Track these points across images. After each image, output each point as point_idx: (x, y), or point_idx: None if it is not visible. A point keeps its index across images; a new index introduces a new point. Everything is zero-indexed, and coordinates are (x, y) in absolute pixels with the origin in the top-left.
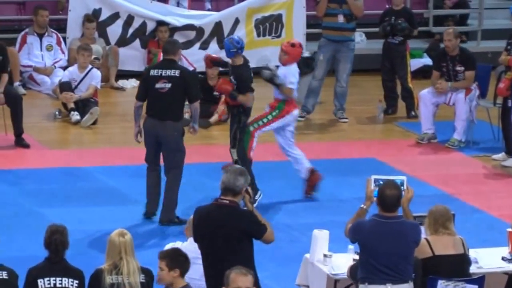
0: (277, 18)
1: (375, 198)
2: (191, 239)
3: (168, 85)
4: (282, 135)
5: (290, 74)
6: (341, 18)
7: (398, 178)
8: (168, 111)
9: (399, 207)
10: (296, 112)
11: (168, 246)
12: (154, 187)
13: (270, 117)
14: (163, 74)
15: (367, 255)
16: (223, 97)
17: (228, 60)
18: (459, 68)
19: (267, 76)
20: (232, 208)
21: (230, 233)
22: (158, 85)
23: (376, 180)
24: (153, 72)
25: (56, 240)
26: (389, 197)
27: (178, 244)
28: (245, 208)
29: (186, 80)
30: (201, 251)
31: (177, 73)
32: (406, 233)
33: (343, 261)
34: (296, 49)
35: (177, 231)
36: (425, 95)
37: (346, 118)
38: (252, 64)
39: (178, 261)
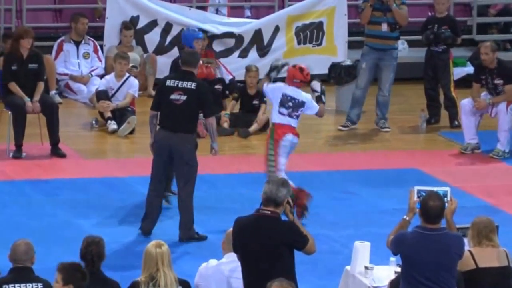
0: (318, 26)
1: (417, 210)
2: (228, 255)
3: (184, 97)
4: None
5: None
6: (385, 27)
7: (441, 189)
8: (182, 123)
9: (442, 218)
10: (288, 137)
11: (203, 265)
12: (155, 208)
13: (271, 152)
14: (179, 86)
15: (409, 267)
16: (263, 106)
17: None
18: (498, 81)
19: (322, 90)
20: (274, 219)
21: (272, 244)
22: (173, 96)
23: (419, 191)
24: (169, 83)
25: (92, 251)
26: (432, 209)
27: (213, 263)
28: (287, 219)
29: (202, 94)
30: (241, 262)
31: (193, 85)
32: (450, 245)
33: (385, 274)
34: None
35: (215, 243)
36: (466, 105)
37: (388, 128)
38: None
39: (74, 277)
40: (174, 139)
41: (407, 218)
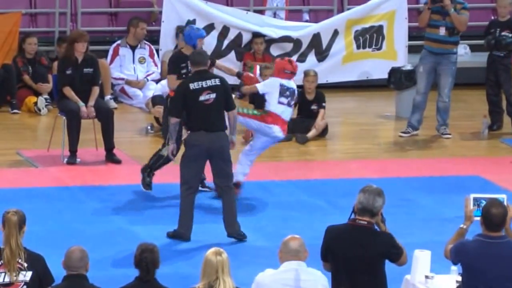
0: (378, 30)
1: (475, 218)
2: (285, 264)
3: (213, 95)
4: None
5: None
6: (442, 31)
7: (498, 196)
8: (217, 121)
9: (504, 226)
10: (275, 128)
11: (260, 274)
12: (192, 210)
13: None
14: (204, 86)
15: (472, 277)
16: (321, 112)
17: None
18: None
19: None
20: (370, 230)
21: (368, 256)
22: (202, 98)
23: (475, 199)
24: (193, 86)
25: (146, 258)
26: (496, 216)
27: (270, 272)
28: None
29: (227, 88)
30: (333, 272)
31: (217, 81)
32: None
33: (446, 283)
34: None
35: (271, 250)
36: None
37: (449, 134)
38: (353, 78)
39: None
40: (213, 138)
41: (464, 227)
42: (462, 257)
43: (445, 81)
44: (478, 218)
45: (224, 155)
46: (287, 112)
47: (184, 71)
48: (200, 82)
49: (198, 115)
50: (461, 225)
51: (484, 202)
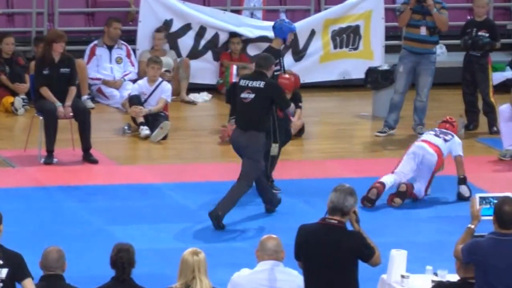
0: (355, 30)
1: (482, 217)
2: (261, 264)
3: (251, 96)
4: None
5: None
6: (423, 30)
7: (502, 195)
8: (251, 121)
9: None
10: None
11: (236, 274)
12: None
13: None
14: (249, 85)
15: (486, 275)
16: (297, 111)
17: None
18: None
19: None
20: (341, 229)
21: (338, 255)
22: (242, 95)
23: (482, 198)
24: (242, 82)
25: (122, 258)
26: (508, 213)
27: (246, 272)
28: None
29: (272, 91)
30: (304, 271)
31: (261, 84)
32: None
33: (421, 283)
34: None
35: (247, 250)
36: (505, 111)
37: None
38: (331, 78)
39: None
40: (243, 137)
41: (472, 226)
42: (475, 256)
43: (424, 81)
44: (486, 218)
45: (246, 153)
46: None
47: (277, 67)
48: (248, 81)
49: (238, 111)
50: (469, 225)
51: (491, 200)
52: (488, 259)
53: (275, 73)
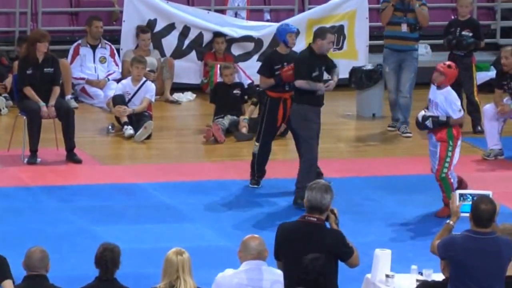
0: (339, 30)
1: (461, 213)
2: (244, 264)
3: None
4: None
5: (453, 98)
6: (404, 27)
7: (483, 192)
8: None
9: (493, 222)
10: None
11: (220, 274)
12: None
13: (449, 153)
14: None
15: (460, 272)
16: None
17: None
18: None
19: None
20: (320, 227)
21: (317, 252)
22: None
23: (461, 195)
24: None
25: (106, 257)
26: (485, 212)
27: (229, 272)
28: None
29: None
30: (284, 269)
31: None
32: (501, 250)
33: (406, 282)
34: (452, 71)
35: (232, 250)
36: (489, 110)
37: (410, 133)
38: None
39: None
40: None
41: (451, 222)
42: (450, 252)
43: (406, 77)
44: (465, 214)
45: (292, 126)
46: None
47: (278, 72)
48: None
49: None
50: (448, 221)
51: (470, 197)
52: (461, 256)
53: (276, 73)
